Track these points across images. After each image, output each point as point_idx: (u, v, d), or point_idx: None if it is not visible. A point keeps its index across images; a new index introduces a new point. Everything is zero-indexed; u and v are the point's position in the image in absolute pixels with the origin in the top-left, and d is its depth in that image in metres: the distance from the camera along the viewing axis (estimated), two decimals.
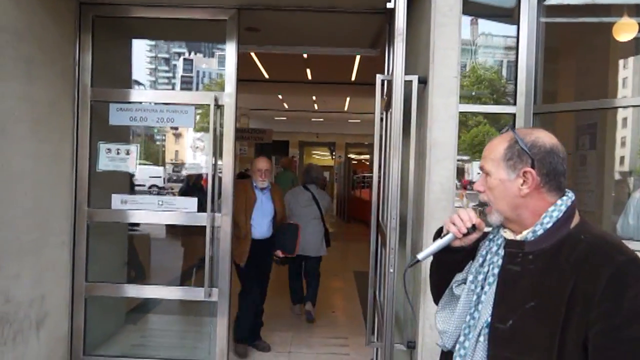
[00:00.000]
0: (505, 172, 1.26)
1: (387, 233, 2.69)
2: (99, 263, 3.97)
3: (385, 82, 3.13)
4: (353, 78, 8.06)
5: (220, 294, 3.77)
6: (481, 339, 1.25)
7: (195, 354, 4.28)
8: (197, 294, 3.82)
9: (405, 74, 2.70)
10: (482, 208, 1.39)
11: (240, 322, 4.44)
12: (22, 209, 3.17)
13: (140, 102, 3.86)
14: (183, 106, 3.80)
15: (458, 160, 2.89)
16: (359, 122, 14.89)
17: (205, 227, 3.69)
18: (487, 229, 1.40)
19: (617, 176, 3.76)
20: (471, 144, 19.98)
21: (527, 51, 3.58)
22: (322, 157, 23.06)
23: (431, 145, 2.80)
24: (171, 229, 6.27)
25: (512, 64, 3.67)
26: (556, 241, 1.21)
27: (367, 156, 19.06)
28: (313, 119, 16.43)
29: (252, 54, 6.30)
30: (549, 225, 1.22)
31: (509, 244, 1.28)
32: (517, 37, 3.61)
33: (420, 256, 1.42)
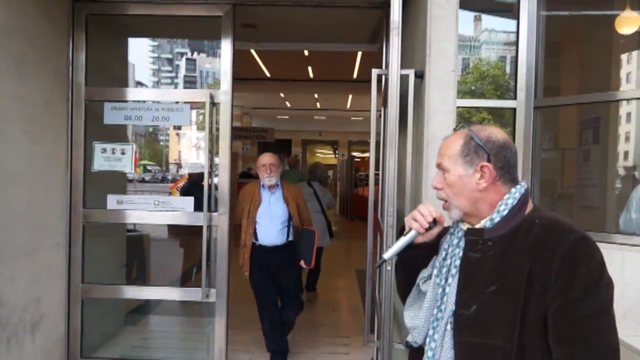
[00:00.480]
0: (462, 168, 1.29)
1: (385, 230, 2.64)
2: (96, 264, 3.93)
3: (383, 78, 3.07)
4: (355, 75, 8.03)
5: (217, 294, 3.72)
6: (448, 327, 1.29)
7: (195, 355, 4.24)
8: (194, 294, 3.77)
9: (402, 68, 2.65)
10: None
11: (264, 334, 4.10)
12: (16, 211, 3.13)
13: (135, 101, 3.82)
14: (178, 104, 3.76)
15: None
16: (362, 119, 14.86)
17: (202, 227, 3.64)
18: (446, 224, 1.43)
19: (621, 171, 3.69)
20: None
21: (527, 44, 3.52)
22: (325, 155, 23.06)
23: (428, 140, 2.73)
24: (173, 229, 6.26)
25: (514, 59, 3.61)
26: (513, 227, 1.26)
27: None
28: (315, 117, 16.42)
29: (253, 53, 6.26)
30: (505, 212, 1.27)
31: (468, 232, 1.32)
32: (517, 31, 3.56)
33: (386, 256, 1.43)
